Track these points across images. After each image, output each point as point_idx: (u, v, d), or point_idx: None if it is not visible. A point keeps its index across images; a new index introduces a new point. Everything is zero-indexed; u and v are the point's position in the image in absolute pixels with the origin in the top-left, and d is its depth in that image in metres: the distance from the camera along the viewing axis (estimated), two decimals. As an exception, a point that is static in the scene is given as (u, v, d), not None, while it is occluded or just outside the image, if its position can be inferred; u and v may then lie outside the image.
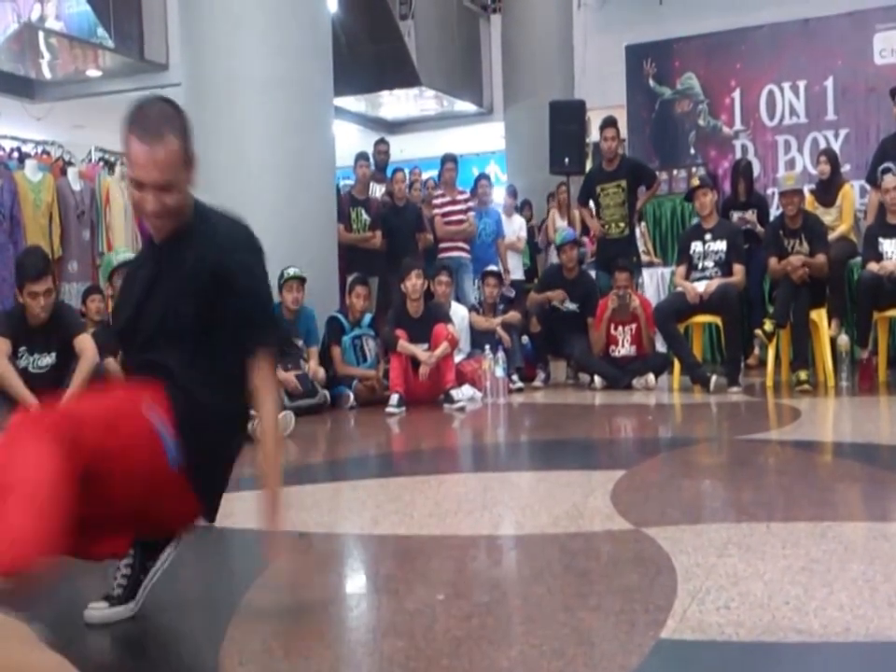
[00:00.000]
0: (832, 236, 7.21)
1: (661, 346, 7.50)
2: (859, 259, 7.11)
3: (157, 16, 11.49)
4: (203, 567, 3.01)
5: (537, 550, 2.97)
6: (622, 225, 7.99)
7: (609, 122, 8.13)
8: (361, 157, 8.90)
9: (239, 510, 3.81)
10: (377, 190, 9.28)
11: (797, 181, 6.98)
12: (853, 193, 7.73)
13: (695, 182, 7.46)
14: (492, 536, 3.18)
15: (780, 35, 10.24)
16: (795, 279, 6.61)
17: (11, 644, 1.07)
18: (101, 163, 8.63)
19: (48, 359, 4.95)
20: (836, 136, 9.72)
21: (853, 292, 7.09)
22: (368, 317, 7.15)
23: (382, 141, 10.00)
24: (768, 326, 6.73)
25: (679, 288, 7.02)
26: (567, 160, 10.23)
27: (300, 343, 6.62)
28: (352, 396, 6.78)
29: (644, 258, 9.22)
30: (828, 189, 7.48)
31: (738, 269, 6.93)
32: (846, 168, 9.43)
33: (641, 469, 4.25)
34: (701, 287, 6.84)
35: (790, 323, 6.73)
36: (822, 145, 9.73)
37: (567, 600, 2.38)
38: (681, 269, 7.14)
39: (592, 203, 8.17)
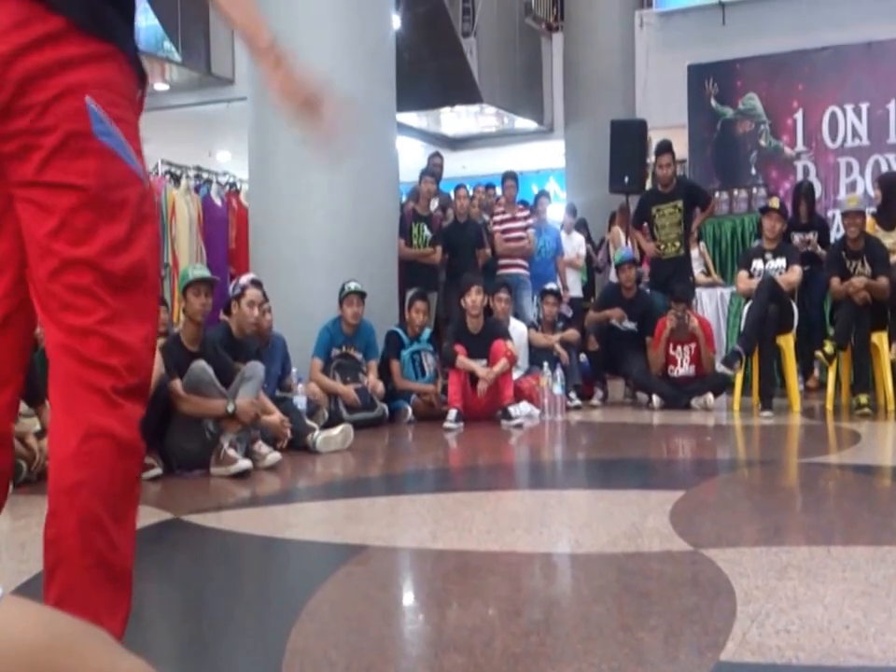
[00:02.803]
0: (893, 259, 7.12)
1: (719, 366, 7.45)
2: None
3: (224, 30, 11.68)
4: (263, 578, 3.07)
5: (595, 569, 2.98)
6: (677, 244, 8.01)
7: (665, 148, 8.15)
8: (426, 172, 8.99)
9: (299, 521, 3.89)
10: (432, 205, 9.35)
11: (860, 203, 6.93)
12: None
13: (774, 203, 7.41)
14: (549, 554, 3.20)
15: (843, 58, 10.15)
16: (857, 301, 6.55)
17: (99, 652, 1.10)
18: (167, 176, 8.81)
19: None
20: (900, 159, 9.62)
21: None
22: (427, 332, 7.21)
23: (436, 155, 10.08)
24: (829, 348, 6.68)
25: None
26: (626, 178, 10.24)
27: (359, 356, 6.70)
28: (410, 410, 6.84)
29: (704, 278, 9.19)
30: (887, 213, 7.39)
31: (795, 268, 6.93)
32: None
33: (700, 490, 4.24)
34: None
35: (850, 346, 6.66)
36: (884, 167, 9.62)
37: (625, 620, 2.40)
38: (744, 273, 7.14)
39: (646, 225, 8.19)
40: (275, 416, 5.23)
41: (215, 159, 14.16)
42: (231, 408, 4.70)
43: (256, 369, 4.98)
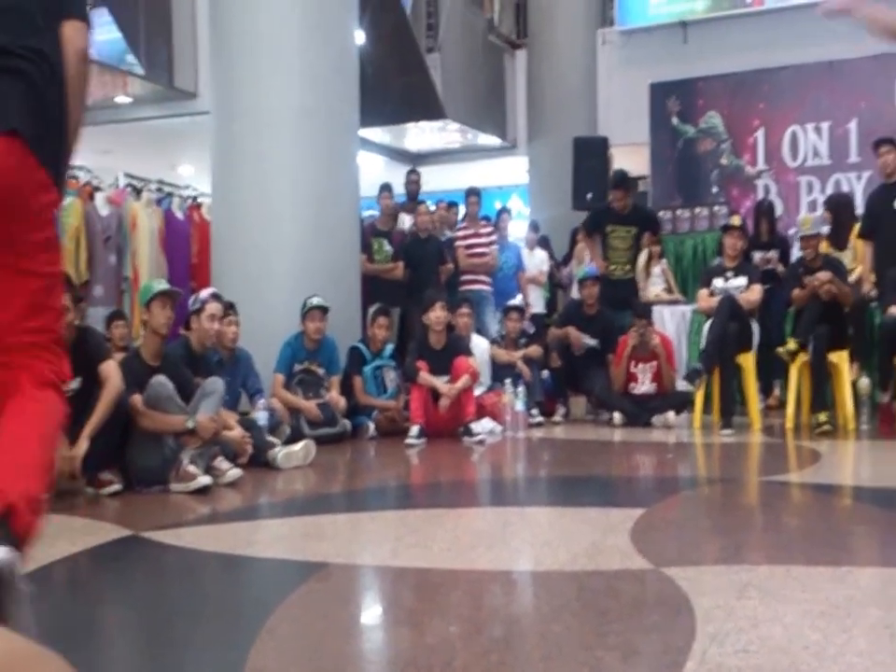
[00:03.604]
0: (851, 278, 7.22)
1: (680, 384, 7.50)
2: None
3: (187, 44, 11.63)
4: (223, 596, 3.03)
5: (555, 587, 2.97)
6: (626, 267, 8.24)
7: (618, 183, 8.32)
8: (385, 188, 8.99)
9: (259, 538, 3.85)
10: (407, 220, 9.36)
11: (813, 224, 7.00)
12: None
13: (736, 222, 7.51)
14: (510, 571, 3.19)
15: (804, 77, 10.29)
16: (823, 295, 6.60)
17: None
18: (128, 189, 8.73)
19: (73, 384, 4.98)
20: (859, 178, 9.73)
21: (874, 335, 7.08)
22: (389, 348, 7.19)
23: (413, 171, 10.09)
24: (791, 345, 6.72)
25: None
26: (589, 195, 10.32)
27: (321, 372, 6.67)
28: (372, 426, 6.81)
29: (666, 295, 9.26)
30: (837, 234, 7.46)
31: (755, 287, 7.01)
32: (865, 210, 9.46)
33: (661, 508, 4.26)
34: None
35: (809, 364, 6.72)
36: (845, 187, 9.76)
37: (585, 639, 2.39)
38: (705, 290, 7.21)
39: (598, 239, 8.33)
40: (236, 432, 5.18)
41: (177, 172, 14.06)
42: (190, 424, 4.66)
43: (216, 384, 4.94)
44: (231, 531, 3.89)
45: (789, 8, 11.99)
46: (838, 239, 7.41)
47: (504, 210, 10.20)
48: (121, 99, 12.12)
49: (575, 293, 9.22)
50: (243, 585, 3.17)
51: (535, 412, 7.52)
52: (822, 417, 6.52)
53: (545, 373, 8.01)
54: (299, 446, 5.47)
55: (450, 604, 2.84)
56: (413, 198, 9.70)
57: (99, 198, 8.16)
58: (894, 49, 9.94)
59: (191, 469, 4.59)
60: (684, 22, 12.50)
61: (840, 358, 6.78)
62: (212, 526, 4.04)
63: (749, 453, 6.18)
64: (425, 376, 6.68)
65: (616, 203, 8.27)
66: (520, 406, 7.08)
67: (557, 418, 7.77)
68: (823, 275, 6.66)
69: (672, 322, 8.91)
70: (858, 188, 9.69)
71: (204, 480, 4.58)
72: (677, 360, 7.79)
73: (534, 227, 10.86)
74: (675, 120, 10.90)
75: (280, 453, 5.34)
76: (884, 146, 7.37)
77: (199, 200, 9.29)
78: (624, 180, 8.43)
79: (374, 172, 12.91)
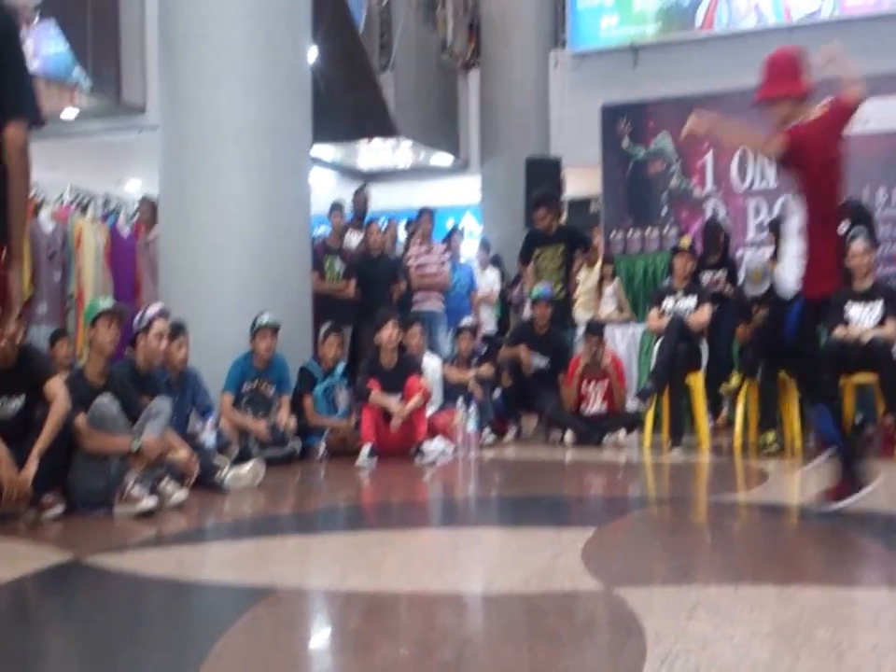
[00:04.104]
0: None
1: (631, 404, 7.55)
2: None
3: (135, 57, 11.52)
4: (167, 623, 2.98)
5: (506, 609, 2.96)
6: (558, 287, 8.25)
7: (538, 202, 8.46)
8: (336, 206, 8.96)
9: (205, 562, 3.79)
10: (355, 238, 9.33)
11: (763, 277, 7.02)
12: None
13: (686, 242, 7.59)
14: (462, 594, 3.17)
15: (752, 101, 10.42)
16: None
17: None
18: (74, 205, 8.62)
19: (16, 402, 4.87)
20: (805, 202, 9.90)
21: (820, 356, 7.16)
22: (340, 367, 7.14)
23: (361, 189, 10.07)
24: (735, 381, 6.81)
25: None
26: (541, 216, 10.34)
27: (271, 391, 6.60)
28: (323, 446, 6.75)
29: (617, 315, 9.34)
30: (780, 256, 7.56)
31: (704, 308, 7.10)
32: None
33: (611, 528, 4.27)
34: None
35: (758, 384, 6.79)
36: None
37: (536, 661, 2.38)
38: (655, 311, 7.27)
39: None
40: (183, 453, 5.10)
41: (124, 187, 13.92)
42: (136, 445, 4.58)
43: (163, 404, 4.86)
44: (177, 555, 3.82)
45: (737, 34, 12.20)
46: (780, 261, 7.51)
47: (456, 230, 10.22)
48: (68, 113, 11.97)
49: (527, 313, 9.26)
50: (188, 611, 3.11)
51: (487, 431, 7.51)
52: (770, 437, 6.59)
53: (497, 393, 8.01)
54: (247, 467, 5.40)
55: (400, 627, 2.82)
56: (361, 216, 9.69)
57: (43, 213, 8.02)
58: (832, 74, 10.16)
59: (136, 491, 4.50)
60: (635, 46, 12.64)
61: (787, 378, 6.84)
62: (157, 550, 3.97)
63: (698, 472, 6.23)
64: (376, 396, 6.64)
65: (539, 222, 8.38)
66: (472, 426, 7.07)
67: (509, 438, 7.77)
68: (759, 318, 6.73)
69: (623, 342, 8.99)
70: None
71: (150, 502, 4.49)
72: (627, 380, 7.84)
73: (485, 246, 10.89)
74: (626, 142, 10.99)
75: (228, 474, 5.27)
76: None
77: (146, 215, 9.19)
78: (545, 199, 8.55)
79: (326, 189, 12.88)
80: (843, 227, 7.20)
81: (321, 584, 3.37)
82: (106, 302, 5.12)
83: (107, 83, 11.31)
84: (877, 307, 6.68)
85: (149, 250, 8.37)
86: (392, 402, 6.67)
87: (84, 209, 8.58)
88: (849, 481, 4.19)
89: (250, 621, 2.80)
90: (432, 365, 7.60)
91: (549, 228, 8.42)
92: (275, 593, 3.10)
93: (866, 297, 6.74)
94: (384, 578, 3.29)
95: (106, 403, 4.65)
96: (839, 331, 6.65)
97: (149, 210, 8.53)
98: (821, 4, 11.84)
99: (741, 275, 8.53)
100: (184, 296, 6.82)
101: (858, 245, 6.80)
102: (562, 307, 8.30)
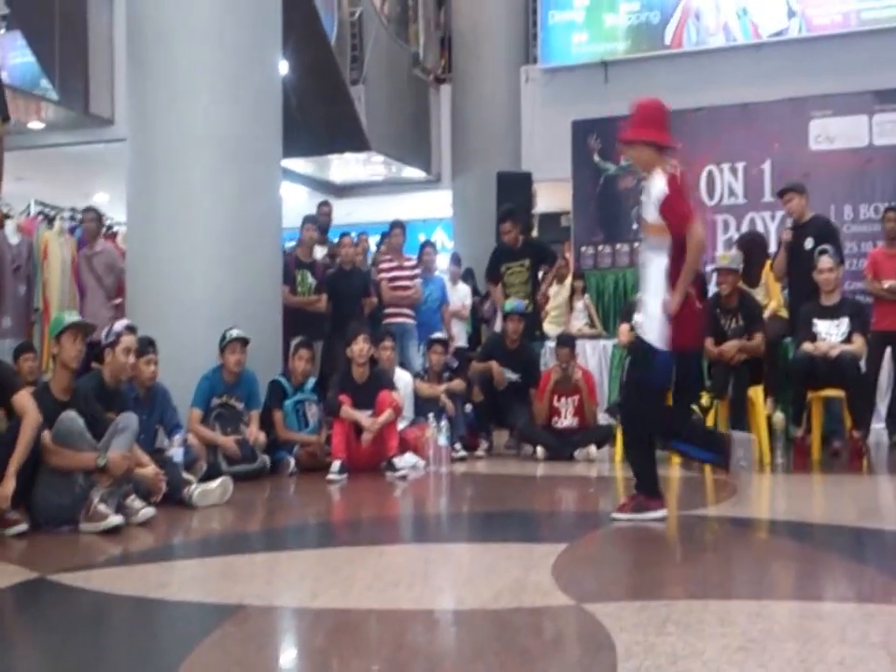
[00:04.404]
0: (765, 314, 7.38)
1: (602, 418, 7.57)
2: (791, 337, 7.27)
3: (103, 69, 11.47)
4: (134, 641, 2.95)
5: (477, 625, 2.95)
6: (525, 302, 8.23)
7: (503, 217, 8.52)
8: (308, 220, 8.93)
9: (172, 580, 3.75)
10: (319, 252, 9.31)
11: (732, 260, 7.14)
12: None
13: None
14: (432, 610, 3.15)
15: (720, 118, 10.53)
16: (733, 364, 6.75)
17: None
18: (40, 217, 8.52)
19: (-20, 418, 4.82)
20: (773, 218, 9.97)
21: (788, 371, 7.23)
22: (311, 382, 7.10)
23: (325, 203, 10.04)
24: (705, 400, 6.85)
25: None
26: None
27: (240, 406, 6.55)
28: (293, 462, 6.70)
29: (588, 329, 9.37)
30: (749, 271, 7.61)
31: None
32: (778, 247, 9.71)
33: (582, 543, 4.27)
34: None
35: (728, 399, 6.82)
36: (759, 226, 9.99)
37: (507, 679, 2.37)
38: (625, 325, 7.29)
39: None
40: (150, 469, 5.05)
41: (92, 200, 13.82)
42: (102, 461, 4.52)
43: (130, 420, 4.81)
44: (144, 573, 3.78)
45: (706, 51, 12.32)
46: (750, 276, 7.57)
47: (428, 243, 10.21)
48: (35, 125, 11.91)
49: (498, 327, 9.27)
50: (155, 630, 3.08)
51: (458, 446, 7.50)
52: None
53: (468, 407, 8.00)
54: (215, 483, 5.35)
55: (370, 645, 2.80)
56: (325, 230, 9.67)
57: (9, 226, 7.88)
58: (805, 92, 10.27)
59: (102, 508, 4.45)
60: (605, 62, 12.73)
61: (755, 393, 6.90)
62: (123, 568, 3.92)
63: (669, 486, 6.21)
64: (347, 410, 6.62)
65: (505, 236, 8.42)
66: (443, 440, 7.05)
67: (480, 452, 7.75)
68: (730, 348, 6.76)
69: (594, 356, 9.01)
70: (772, 226, 9.94)
71: (116, 519, 4.44)
72: (598, 394, 7.86)
73: (456, 260, 10.89)
74: (596, 158, 11.06)
75: (196, 490, 5.21)
76: (786, 194, 7.60)
77: (114, 228, 9.12)
78: (510, 213, 8.60)
79: (298, 203, 12.85)
80: (809, 243, 7.31)
81: (290, 601, 3.34)
82: (72, 317, 5.07)
83: (75, 95, 11.25)
84: (844, 323, 6.75)
85: (93, 263, 8.22)
86: (363, 417, 6.64)
87: (51, 222, 8.47)
88: (649, 497, 4.43)
89: (218, 639, 2.77)
90: (404, 379, 7.58)
91: (515, 241, 8.45)
92: (244, 610, 3.07)
93: (833, 312, 6.81)
94: (353, 594, 3.27)
95: (72, 418, 4.60)
96: (807, 346, 6.71)
97: (94, 221, 8.39)
98: (789, 22, 11.98)
99: (709, 290, 8.60)
100: (152, 310, 6.77)
101: (825, 261, 6.87)
102: (530, 321, 8.31)
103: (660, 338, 4.31)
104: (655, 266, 4.38)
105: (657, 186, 4.37)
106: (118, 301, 8.12)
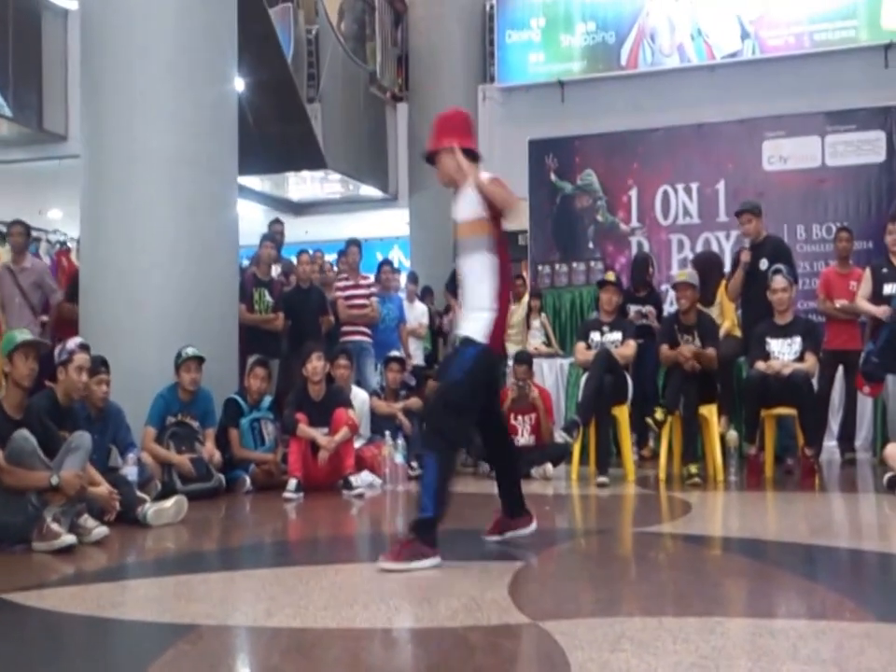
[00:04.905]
0: (720, 332, 7.46)
1: (558, 436, 7.59)
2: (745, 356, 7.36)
3: (57, 85, 11.38)
4: (87, 661, 2.91)
5: (433, 644, 2.95)
6: None
7: None
8: (267, 237, 8.91)
9: (125, 599, 3.71)
10: (273, 270, 9.27)
11: (690, 276, 7.23)
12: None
13: (610, 277, 7.68)
14: (389, 629, 3.14)
15: (675, 138, 10.65)
16: (686, 368, 6.80)
17: None
18: (-9, 235, 8.42)
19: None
20: (728, 237, 10.10)
21: (741, 389, 7.32)
22: (267, 400, 7.07)
23: (277, 221, 10.01)
24: (659, 414, 6.91)
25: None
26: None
27: (196, 424, 6.50)
28: (248, 480, 6.66)
29: (544, 348, 9.40)
30: (704, 290, 7.68)
31: (630, 343, 7.21)
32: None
33: (538, 561, 4.29)
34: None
35: (680, 415, 6.89)
36: (714, 245, 10.11)
37: (462, 698, 2.37)
38: (582, 344, 7.34)
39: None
40: (103, 488, 4.99)
41: (45, 216, 13.69)
42: (55, 480, 4.47)
43: (83, 439, 4.76)
44: (97, 592, 3.73)
45: (661, 72, 12.48)
46: (706, 295, 7.67)
47: (386, 262, 10.22)
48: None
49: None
50: (108, 650, 3.05)
51: (415, 464, 7.47)
52: (693, 469, 6.69)
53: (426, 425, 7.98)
54: (170, 502, 5.30)
55: (326, 664, 2.79)
56: (278, 248, 9.63)
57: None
58: (759, 113, 10.43)
59: (55, 527, 4.40)
60: (561, 82, 12.85)
61: (709, 412, 6.97)
62: (76, 587, 3.87)
63: (624, 504, 6.28)
64: (303, 428, 6.59)
65: None
66: (400, 458, 7.05)
67: (437, 470, 7.73)
68: (686, 350, 6.84)
69: (550, 374, 9.06)
70: (726, 246, 10.07)
71: (69, 539, 4.40)
72: (555, 412, 7.89)
73: (413, 278, 10.91)
74: (553, 177, 11.13)
75: (150, 509, 5.16)
76: (743, 216, 7.71)
77: (68, 245, 9.02)
78: None
79: (255, 221, 12.80)
80: (764, 263, 7.41)
81: (245, 620, 3.32)
82: (24, 335, 5.01)
83: (28, 111, 11.15)
84: (797, 342, 6.85)
85: (19, 278, 8.05)
86: (319, 435, 6.62)
87: (3, 238, 8.35)
88: (420, 542, 3.93)
89: (171, 659, 2.75)
90: (360, 397, 7.56)
91: None
92: (198, 629, 3.04)
93: (786, 331, 6.90)
94: (309, 614, 3.25)
95: (25, 437, 4.54)
96: (760, 365, 6.79)
97: (21, 235, 8.21)
98: (743, 44, 12.18)
99: (665, 309, 8.71)
100: (106, 327, 6.70)
101: (779, 281, 6.98)
102: None
103: (481, 330, 4.08)
104: (473, 264, 4.20)
105: (471, 183, 4.20)
106: (44, 318, 8.01)
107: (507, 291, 4.29)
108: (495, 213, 4.20)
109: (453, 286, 8.64)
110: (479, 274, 4.19)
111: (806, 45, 11.71)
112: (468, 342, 4.10)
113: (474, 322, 4.13)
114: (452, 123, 4.43)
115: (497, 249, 4.21)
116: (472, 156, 4.31)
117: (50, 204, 14.19)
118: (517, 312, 9.83)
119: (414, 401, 7.88)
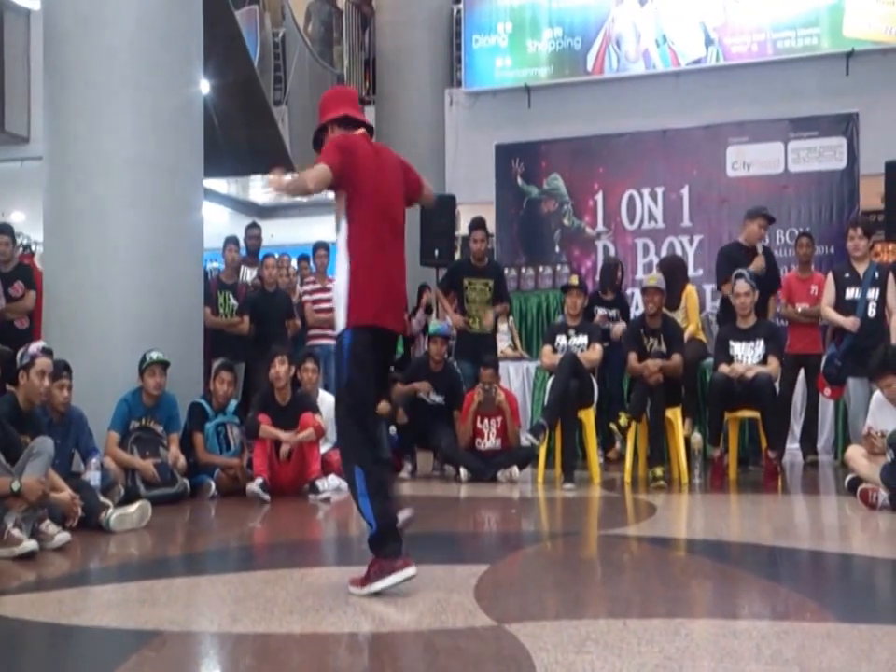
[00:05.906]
0: (685, 335, 7.52)
1: (524, 440, 7.61)
2: (710, 360, 7.41)
3: (19, 86, 11.27)
4: (48, 669, 2.87)
5: (399, 647, 2.95)
6: (486, 321, 8.23)
7: (478, 224, 8.48)
8: (230, 241, 8.86)
9: (88, 606, 3.67)
10: (248, 274, 9.22)
11: (659, 282, 7.28)
12: (696, 294, 8.13)
13: (574, 281, 7.71)
14: (355, 633, 3.14)
15: (640, 144, 10.74)
16: (651, 382, 6.85)
17: None
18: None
19: None
20: (691, 242, 10.21)
21: (705, 392, 7.38)
22: (233, 404, 7.02)
23: (254, 225, 9.96)
24: (623, 420, 6.96)
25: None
26: (437, 251, 10.44)
27: (160, 429, 6.45)
28: (213, 485, 6.60)
29: (511, 352, 9.42)
30: (669, 294, 7.73)
31: (596, 346, 7.28)
32: (699, 272, 9.93)
33: (504, 564, 4.29)
34: None
35: (646, 419, 6.94)
36: (678, 249, 10.20)
37: (428, 701, 2.37)
38: (548, 347, 7.37)
39: (454, 294, 8.38)
40: (65, 493, 4.94)
41: (8, 219, 13.53)
42: (16, 486, 4.42)
43: (45, 444, 4.71)
44: (59, 599, 3.69)
45: (627, 78, 12.55)
46: (671, 299, 7.73)
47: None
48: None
49: (424, 347, 9.27)
50: (71, 657, 3.02)
51: (381, 468, 7.46)
52: (658, 472, 6.73)
53: (392, 430, 7.98)
54: (133, 508, 5.25)
55: (292, 669, 2.78)
56: (255, 252, 9.59)
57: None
58: (722, 119, 10.53)
59: (16, 533, 4.35)
60: (528, 87, 12.90)
61: (674, 415, 7.02)
62: (37, 594, 3.83)
63: (590, 507, 6.31)
64: (266, 428, 6.55)
65: (475, 244, 8.31)
66: (366, 462, 7.01)
67: (404, 474, 7.73)
68: (653, 364, 6.87)
69: (517, 378, 9.08)
70: (690, 250, 10.17)
71: (30, 545, 4.35)
72: (521, 416, 7.91)
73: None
74: (519, 181, 11.18)
75: (113, 515, 5.11)
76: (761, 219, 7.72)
77: (32, 248, 8.91)
78: (482, 223, 8.57)
79: (220, 223, 12.75)
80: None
81: (210, 626, 3.30)
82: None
83: (-11, 113, 11.03)
84: (760, 345, 6.91)
85: None
86: (281, 432, 6.59)
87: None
88: (382, 560, 3.60)
89: (135, 665, 2.72)
90: (327, 401, 7.52)
91: (482, 253, 8.31)
92: (161, 635, 3.02)
93: (749, 335, 6.96)
94: (274, 618, 3.24)
95: (-15, 442, 4.49)
96: (724, 368, 6.85)
97: (6, 245, 8.14)
98: (707, 51, 12.29)
99: (633, 313, 8.77)
100: (69, 331, 6.62)
101: (741, 285, 7.03)
102: (488, 340, 8.30)
103: (341, 318, 3.86)
104: (338, 241, 3.98)
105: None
106: None
107: (365, 246, 3.96)
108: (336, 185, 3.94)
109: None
110: (338, 260, 3.98)
111: (769, 52, 11.82)
112: (337, 337, 3.92)
113: (338, 317, 3.91)
114: (336, 98, 4.43)
115: (351, 214, 3.96)
116: (347, 123, 4.20)
117: (13, 207, 14.04)
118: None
119: (382, 405, 7.84)
